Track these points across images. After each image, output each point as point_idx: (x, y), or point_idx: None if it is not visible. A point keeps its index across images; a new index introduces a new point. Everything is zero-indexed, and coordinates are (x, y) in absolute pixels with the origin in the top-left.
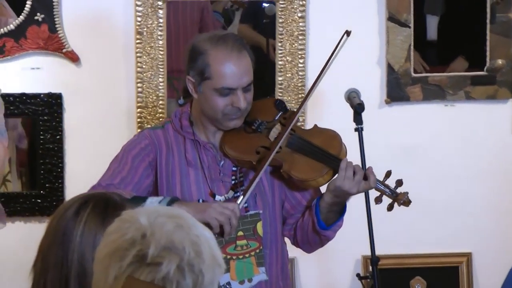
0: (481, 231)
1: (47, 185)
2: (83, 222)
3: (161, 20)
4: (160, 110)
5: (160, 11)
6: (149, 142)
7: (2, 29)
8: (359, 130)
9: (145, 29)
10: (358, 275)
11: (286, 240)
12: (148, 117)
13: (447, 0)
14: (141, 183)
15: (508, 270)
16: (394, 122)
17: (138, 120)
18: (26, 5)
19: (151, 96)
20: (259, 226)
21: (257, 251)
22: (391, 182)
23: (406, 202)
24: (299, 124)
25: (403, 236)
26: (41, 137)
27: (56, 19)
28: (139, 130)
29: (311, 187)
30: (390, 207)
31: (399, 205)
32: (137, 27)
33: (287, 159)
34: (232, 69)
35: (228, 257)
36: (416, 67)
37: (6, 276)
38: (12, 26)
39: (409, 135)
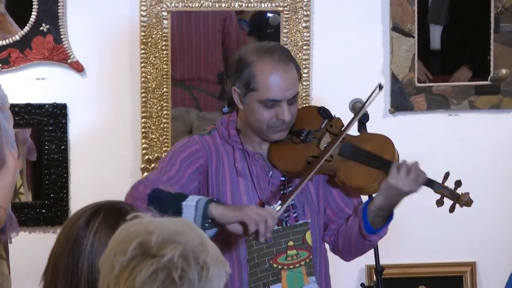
0: (485, 241)
1: (52, 195)
2: (93, 231)
3: (165, 31)
4: (164, 120)
5: (165, 22)
6: (200, 148)
7: (7, 40)
8: None
9: (149, 40)
10: (362, 284)
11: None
12: (153, 127)
13: (451, 9)
14: (187, 186)
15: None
16: (398, 132)
17: (143, 130)
18: (32, 16)
19: (155, 106)
20: (308, 236)
21: (307, 260)
22: (450, 184)
23: (469, 203)
24: None
25: (407, 246)
26: (46, 147)
27: (61, 30)
28: (143, 140)
29: (368, 193)
30: (452, 209)
31: (461, 206)
32: (141, 37)
33: (341, 168)
34: (277, 81)
35: (280, 267)
36: (419, 77)
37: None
38: (17, 37)
39: (414, 145)
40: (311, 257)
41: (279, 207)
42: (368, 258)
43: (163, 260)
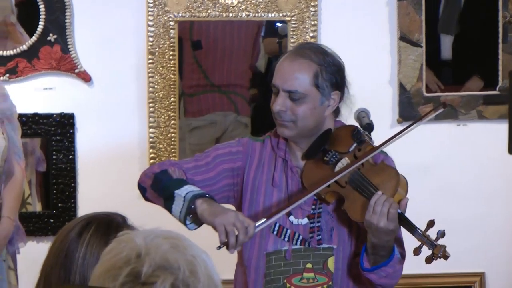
0: (494, 251)
1: (59, 204)
2: (85, 243)
3: (172, 40)
4: (172, 130)
5: (172, 31)
6: (243, 150)
7: (15, 50)
8: None
9: (157, 49)
10: None
11: None
12: (160, 137)
13: (461, 19)
14: (215, 181)
15: None
16: (406, 142)
17: (150, 140)
18: (39, 26)
19: (163, 116)
20: (331, 262)
21: (325, 286)
22: (433, 233)
23: (443, 257)
24: None
25: (416, 256)
26: (54, 157)
27: (68, 40)
28: (151, 150)
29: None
30: (428, 260)
31: (436, 259)
32: (149, 47)
33: (349, 196)
34: (281, 67)
35: (293, 287)
36: (431, 87)
37: None
38: (24, 47)
39: (422, 155)
40: (330, 283)
41: (263, 221)
42: None
43: None
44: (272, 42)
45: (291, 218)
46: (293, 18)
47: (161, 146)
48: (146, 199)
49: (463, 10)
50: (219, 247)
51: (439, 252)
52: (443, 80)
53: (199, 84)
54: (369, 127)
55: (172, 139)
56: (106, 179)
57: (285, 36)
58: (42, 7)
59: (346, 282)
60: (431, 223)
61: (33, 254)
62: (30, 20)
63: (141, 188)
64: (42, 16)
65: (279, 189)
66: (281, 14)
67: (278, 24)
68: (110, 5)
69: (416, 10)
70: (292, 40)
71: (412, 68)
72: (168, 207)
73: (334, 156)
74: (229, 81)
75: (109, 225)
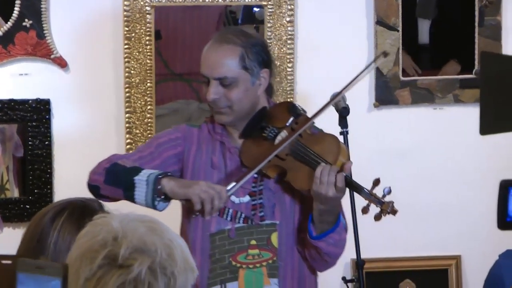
0: (470, 234)
1: (36, 190)
2: (57, 229)
3: (149, 26)
4: (148, 115)
5: (148, 16)
6: (181, 136)
7: None
8: (344, 134)
9: (133, 35)
10: (344, 278)
11: None
12: (137, 122)
13: (439, 3)
14: (162, 167)
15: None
16: (383, 126)
17: (127, 125)
18: (14, 12)
19: (139, 101)
20: (274, 237)
21: (270, 261)
22: (379, 191)
23: (392, 212)
24: None
25: (392, 239)
26: (30, 143)
27: (44, 25)
28: (127, 136)
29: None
30: (377, 217)
31: (384, 215)
32: (125, 32)
33: (291, 168)
34: (207, 56)
35: (238, 265)
36: (408, 71)
37: None
38: (0, 33)
39: (398, 139)
40: (275, 259)
41: (233, 185)
42: (353, 252)
43: (131, 274)
44: (249, 28)
45: (233, 197)
46: (269, 2)
47: (137, 131)
48: (101, 196)
49: None
50: (195, 215)
51: (387, 208)
52: (421, 64)
53: (161, 73)
54: (345, 111)
55: (149, 124)
56: (82, 164)
57: (262, 21)
58: None
59: (290, 256)
60: (376, 182)
61: (10, 240)
62: (5, 6)
63: (93, 187)
64: (18, 2)
65: (219, 171)
66: None
67: (256, 9)
68: None
69: None
70: (268, 25)
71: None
72: (130, 195)
73: (272, 131)
74: (190, 69)
75: (83, 211)
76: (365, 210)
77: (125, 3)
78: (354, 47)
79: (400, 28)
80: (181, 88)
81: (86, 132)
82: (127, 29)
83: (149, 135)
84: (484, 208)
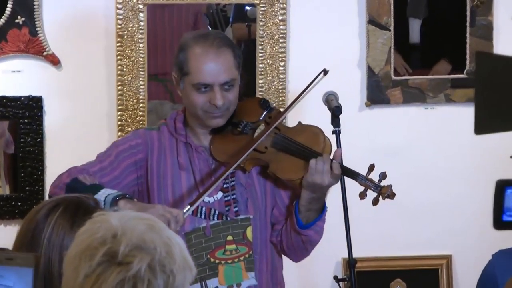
0: (461, 234)
1: (27, 188)
2: (51, 225)
3: (142, 23)
4: (140, 113)
5: (141, 14)
6: (142, 141)
7: None
8: (337, 133)
9: (125, 32)
10: (335, 277)
11: None
12: (129, 120)
13: (430, 3)
14: (121, 179)
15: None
16: (374, 125)
17: (119, 123)
18: (7, 8)
19: (131, 99)
20: (249, 231)
21: (247, 256)
22: (375, 176)
23: (391, 195)
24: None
25: (383, 239)
26: (22, 140)
27: (36, 22)
28: (119, 133)
29: (298, 186)
30: (375, 201)
31: (384, 199)
32: (117, 30)
33: (273, 159)
34: (208, 65)
35: (217, 261)
36: (399, 70)
37: None
38: None
39: (390, 138)
40: (251, 252)
41: (188, 208)
42: (344, 251)
43: (130, 271)
44: (241, 27)
45: (206, 199)
46: (262, 1)
47: (129, 129)
48: None
49: None
50: None
51: (387, 191)
52: (412, 63)
53: None
54: (338, 110)
55: (141, 122)
56: (74, 162)
57: (254, 19)
58: None
59: (264, 249)
60: (371, 167)
61: (1, 237)
62: None
63: None
64: None
65: (187, 171)
66: None
67: (247, 8)
68: None
69: None
70: (261, 24)
71: (380, 52)
72: None
73: (247, 126)
74: (164, 70)
75: (77, 207)
76: (362, 195)
77: (118, 0)
78: (346, 46)
79: (392, 28)
80: (155, 89)
81: (78, 130)
82: (119, 26)
83: None
84: (475, 207)
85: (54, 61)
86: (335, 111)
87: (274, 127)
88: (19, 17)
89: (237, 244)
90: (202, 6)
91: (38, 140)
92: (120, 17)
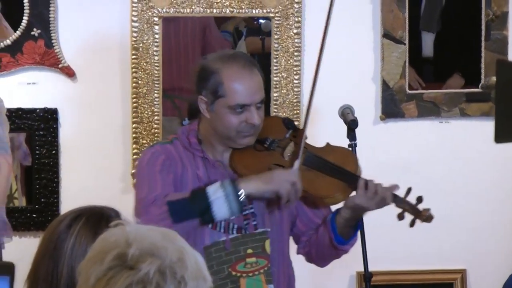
0: (475, 248)
1: (42, 200)
2: (74, 235)
3: (157, 36)
4: (155, 125)
5: (156, 27)
6: (166, 157)
7: None
8: (353, 146)
9: (140, 45)
10: None
11: (301, 257)
12: (144, 133)
13: (443, 17)
14: (174, 191)
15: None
16: (389, 139)
17: (134, 135)
18: (23, 21)
19: (146, 112)
20: (267, 244)
21: (266, 268)
22: (412, 199)
23: (429, 218)
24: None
25: (398, 253)
26: (37, 152)
27: (52, 35)
28: (134, 146)
29: (328, 204)
30: (412, 223)
31: (422, 221)
32: (133, 42)
33: (304, 177)
34: (245, 85)
35: (238, 274)
36: (412, 84)
37: None
38: (8, 41)
39: (404, 152)
40: (269, 265)
41: (297, 162)
42: (358, 265)
43: (139, 274)
44: (254, 41)
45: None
46: (277, 14)
47: (144, 141)
48: None
49: (445, 7)
50: (287, 204)
51: (426, 214)
52: (424, 77)
53: None
54: (354, 123)
55: (156, 134)
56: (89, 174)
57: (268, 33)
58: (26, 1)
59: (281, 261)
60: (408, 191)
61: (16, 249)
62: (14, 15)
63: None
64: (26, 11)
65: (205, 185)
66: (265, 10)
67: (261, 21)
68: (94, 0)
69: (400, 7)
70: (276, 37)
71: (395, 65)
72: (208, 218)
73: (274, 143)
74: (172, 85)
75: (99, 218)
76: (401, 216)
77: (133, 13)
78: (361, 60)
79: (406, 41)
80: (163, 105)
81: (93, 142)
82: (134, 39)
83: None
84: (490, 221)
85: (69, 73)
86: (351, 125)
87: (303, 147)
88: (34, 29)
89: (257, 257)
90: (208, 22)
91: (53, 152)
92: (135, 29)
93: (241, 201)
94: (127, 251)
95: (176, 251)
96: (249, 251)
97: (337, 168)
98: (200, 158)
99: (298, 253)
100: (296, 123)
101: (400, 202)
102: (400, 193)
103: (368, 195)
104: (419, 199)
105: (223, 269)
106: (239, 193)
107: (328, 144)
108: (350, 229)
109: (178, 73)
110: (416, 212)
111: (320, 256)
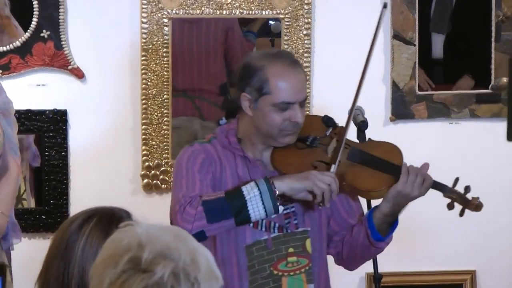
0: (485, 249)
1: (52, 201)
2: (85, 235)
3: (166, 37)
4: (165, 127)
5: (166, 28)
6: (205, 156)
7: (8, 46)
8: None
9: (150, 46)
10: None
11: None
12: (153, 134)
13: (453, 18)
14: (211, 191)
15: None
16: (398, 140)
17: (143, 137)
18: (32, 22)
19: (156, 113)
20: (308, 243)
21: (307, 268)
22: (459, 189)
23: (478, 207)
24: None
25: (407, 254)
26: (46, 153)
27: (62, 36)
28: (143, 147)
29: (375, 198)
30: (461, 213)
31: (472, 210)
32: (142, 44)
33: (348, 172)
34: (290, 83)
35: (280, 273)
36: (422, 85)
37: None
38: (18, 43)
39: (414, 153)
40: (310, 264)
41: (333, 167)
42: (368, 266)
43: (153, 277)
44: (264, 42)
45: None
46: (286, 15)
47: (153, 143)
48: (206, 238)
49: (455, 9)
50: (319, 207)
51: (475, 202)
52: (434, 79)
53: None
54: (364, 124)
55: (165, 136)
56: (98, 176)
57: (278, 34)
58: (35, 3)
59: (321, 261)
60: (456, 180)
61: (25, 251)
62: (24, 17)
63: (197, 234)
64: (36, 13)
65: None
66: (274, 12)
67: (271, 22)
68: (104, 1)
69: (410, 9)
70: (285, 38)
71: (405, 67)
72: (243, 218)
73: (316, 140)
74: (192, 86)
75: (111, 219)
76: (450, 206)
77: (143, 14)
78: (371, 61)
79: (416, 43)
80: (183, 105)
81: (103, 143)
82: (144, 40)
83: (166, 147)
84: (499, 222)
85: (79, 74)
86: (361, 126)
87: (345, 143)
88: (44, 31)
89: (298, 256)
90: (232, 24)
91: (63, 153)
92: (145, 31)
93: (276, 200)
94: (140, 254)
95: (188, 252)
96: (291, 250)
97: (383, 162)
98: (240, 157)
99: (328, 253)
100: None
101: (448, 192)
102: (448, 183)
103: (410, 180)
104: (467, 189)
105: (264, 268)
106: (274, 191)
107: (370, 139)
108: (386, 226)
109: (199, 74)
110: (465, 201)
111: (351, 256)
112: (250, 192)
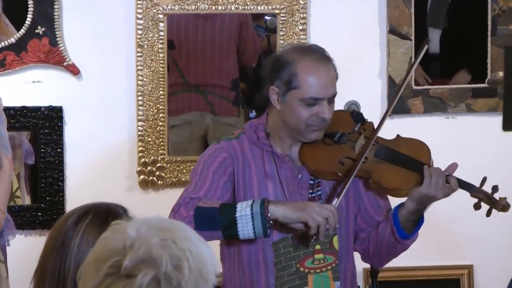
0: (482, 244)
1: (47, 198)
2: (81, 231)
3: (161, 33)
4: (160, 123)
5: (161, 24)
6: (227, 155)
7: (3, 43)
8: None
9: (145, 42)
10: (358, 287)
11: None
12: (149, 130)
13: (449, 13)
14: (222, 198)
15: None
16: (395, 135)
17: (139, 133)
18: (27, 19)
19: (151, 109)
20: (335, 240)
21: (333, 265)
22: (487, 188)
23: (506, 207)
24: None
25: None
26: (42, 150)
27: (57, 32)
28: (139, 143)
29: (403, 196)
30: (488, 213)
31: (499, 211)
32: (137, 40)
33: (375, 169)
34: (319, 79)
35: (306, 270)
36: (419, 80)
37: None
38: (13, 40)
39: None
40: (337, 262)
41: (336, 200)
42: None
43: (134, 285)
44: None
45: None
46: (282, 11)
47: (149, 139)
48: None
49: (452, 3)
50: (313, 239)
51: (503, 203)
52: (431, 73)
53: (177, 83)
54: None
55: (161, 132)
56: (94, 172)
57: (273, 29)
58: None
59: (348, 258)
60: (484, 180)
61: (21, 248)
62: (18, 13)
63: None
64: (31, 9)
65: (273, 180)
66: (270, 7)
67: (267, 18)
68: None
69: (406, 3)
70: (281, 33)
71: (401, 61)
72: (231, 233)
73: (344, 136)
74: (205, 81)
75: (107, 215)
76: (477, 206)
77: (138, 10)
78: (367, 56)
79: (412, 37)
80: (195, 100)
81: (98, 140)
82: (139, 36)
83: (161, 143)
84: (496, 217)
85: (74, 71)
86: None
87: (374, 139)
88: (39, 27)
89: (325, 253)
90: (246, 19)
91: (59, 150)
92: (140, 27)
93: (267, 224)
94: (122, 260)
95: (172, 257)
96: (317, 247)
97: (410, 160)
98: (268, 153)
99: (354, 250)
100: None
101: (476, 191)
102: (476, 182)
103: (433, 183)
104: (495, 188)
105: (291, 265)
106: (267, 215)
107: (398, 135)
108: (412, 223)
109: (211, 69)
110: (492, 201)
111: (377, 253)
112: (242, 211)
